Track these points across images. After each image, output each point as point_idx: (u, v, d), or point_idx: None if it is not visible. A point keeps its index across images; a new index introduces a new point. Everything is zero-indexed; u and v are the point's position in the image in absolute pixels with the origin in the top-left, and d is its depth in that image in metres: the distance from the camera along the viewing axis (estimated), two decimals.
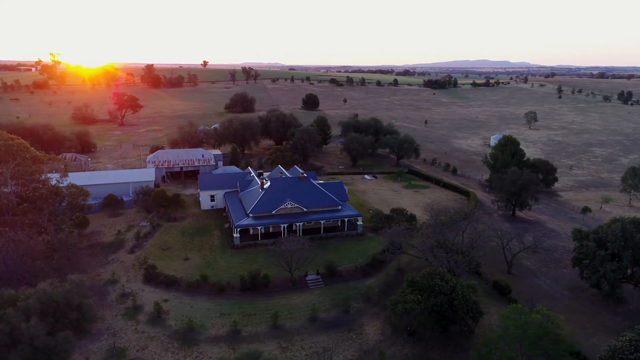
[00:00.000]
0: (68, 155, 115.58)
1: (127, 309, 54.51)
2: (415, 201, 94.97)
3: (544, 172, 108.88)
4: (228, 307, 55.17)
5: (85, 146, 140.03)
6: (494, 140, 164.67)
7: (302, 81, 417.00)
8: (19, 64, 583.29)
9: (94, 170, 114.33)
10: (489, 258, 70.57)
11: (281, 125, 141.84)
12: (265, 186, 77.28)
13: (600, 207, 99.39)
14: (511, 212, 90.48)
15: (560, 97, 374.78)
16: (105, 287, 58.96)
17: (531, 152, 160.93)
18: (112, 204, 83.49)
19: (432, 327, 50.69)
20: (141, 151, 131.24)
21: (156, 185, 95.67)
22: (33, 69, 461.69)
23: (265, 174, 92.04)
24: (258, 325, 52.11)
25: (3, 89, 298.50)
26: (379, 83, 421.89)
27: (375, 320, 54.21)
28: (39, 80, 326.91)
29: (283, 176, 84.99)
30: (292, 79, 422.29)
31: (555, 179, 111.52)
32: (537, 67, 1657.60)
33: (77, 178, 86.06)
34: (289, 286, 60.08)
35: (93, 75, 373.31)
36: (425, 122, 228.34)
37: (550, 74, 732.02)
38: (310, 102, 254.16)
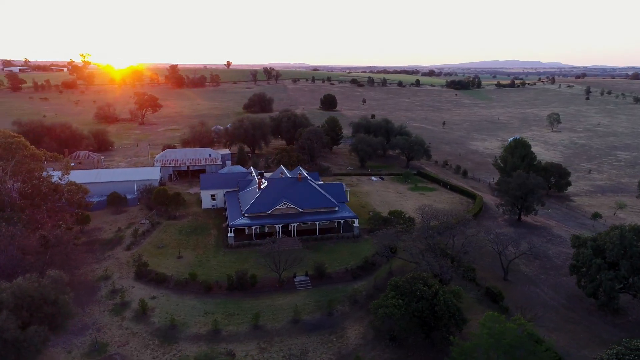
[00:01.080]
0: (82, 153, 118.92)
1: (115, 305, 55.58)
2: (419, 204, 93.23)
3: (557, 176, 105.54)
4: (213, 306, 55.56)
5: (102, 144, 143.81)
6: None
7: (323, 81, 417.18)
8: (52, 64, 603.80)
9: (106, 167, 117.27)
10: (486, 264, 68.90)
11: (292, 125, 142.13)
12: (262, 186, 77.55)
13: (614, 213, 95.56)
14: (517, 217, 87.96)
15: (587, 98, 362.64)
16: (97, 283, 60.30)
17: (550, 155, 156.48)
18: (115, 201, 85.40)
19: (415, 333, 49.78)
20: (148, 149, 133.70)
21: (162, 184, 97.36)
22: (65, 69, 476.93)
23: (269, 174, 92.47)
24: (240, 325, 52.26)
25: (34, 88, 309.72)
26: (400, 84, 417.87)
27: (358, 324, 53.57)
28: (68, 80, 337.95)
29: (283, 176, 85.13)
30: (313, 79, 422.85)
31: (568, 183, 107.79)
32: (570, 68, 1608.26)
33: (84, 175, 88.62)
34: (276, 287, 60.05)
35: (120, 75, 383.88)
36: (443, 123, 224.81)
37: (581, 74, 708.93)
38: (328, 103, 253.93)
